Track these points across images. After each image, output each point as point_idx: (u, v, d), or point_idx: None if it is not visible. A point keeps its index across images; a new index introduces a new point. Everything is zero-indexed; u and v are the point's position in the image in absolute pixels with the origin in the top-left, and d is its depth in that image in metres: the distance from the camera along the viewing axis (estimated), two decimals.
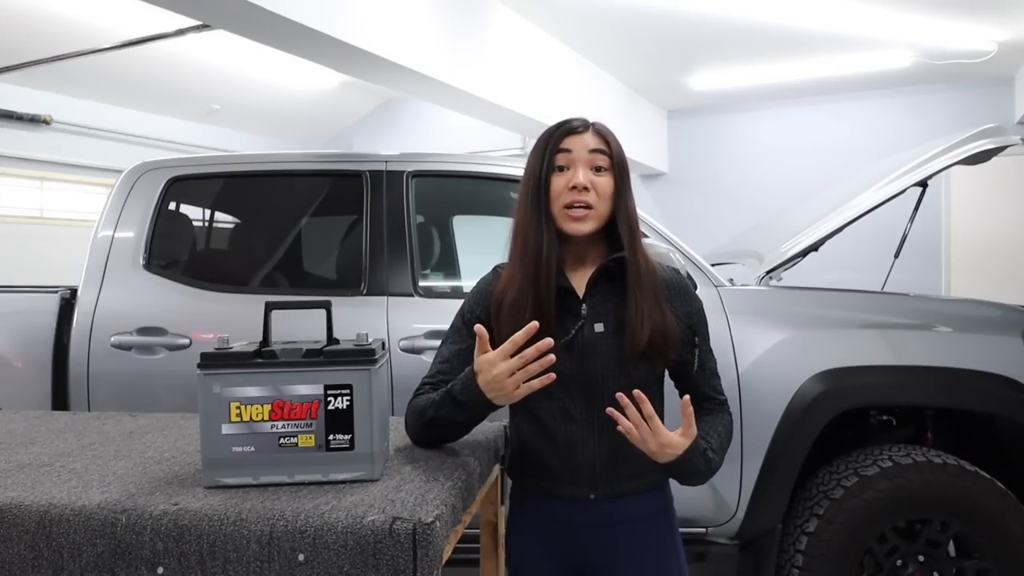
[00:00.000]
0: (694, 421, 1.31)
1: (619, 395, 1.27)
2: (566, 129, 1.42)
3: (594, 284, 1.44)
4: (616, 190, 1.42)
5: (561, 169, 1.41)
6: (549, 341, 1.23)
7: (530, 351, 1.23)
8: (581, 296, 1.43)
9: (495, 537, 1.62)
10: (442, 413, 1.35)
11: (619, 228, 1.42)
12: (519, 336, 1.24)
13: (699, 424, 1.43)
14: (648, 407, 1.27)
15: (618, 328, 1.41)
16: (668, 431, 1.30)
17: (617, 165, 1.42)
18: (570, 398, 1.42)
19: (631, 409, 1.27)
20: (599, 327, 1.42)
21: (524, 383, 1.25)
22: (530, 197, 1.42)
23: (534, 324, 1.25)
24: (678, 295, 1.47)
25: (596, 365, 1.41)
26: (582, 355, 1.41)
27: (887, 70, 6.63)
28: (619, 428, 1.28)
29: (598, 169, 1.40)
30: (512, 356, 1.24)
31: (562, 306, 1.42)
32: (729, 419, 1.50)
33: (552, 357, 1.24)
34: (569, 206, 1.39)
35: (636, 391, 1.28)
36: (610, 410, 1.29)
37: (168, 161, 2.73)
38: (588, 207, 1.39)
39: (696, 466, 1.35)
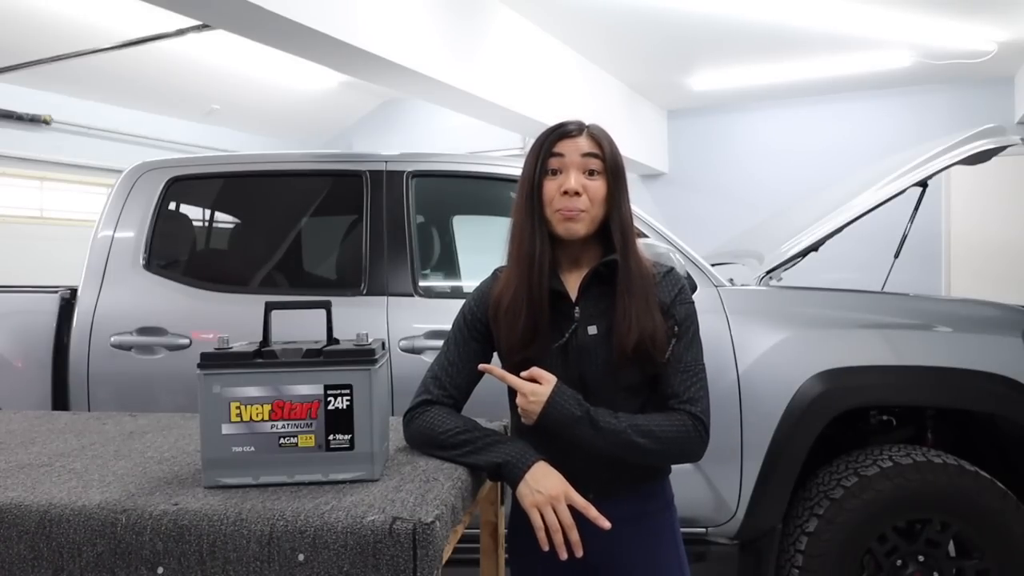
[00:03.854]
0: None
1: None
2: (559, 133, 1.42)
3: (587, 287, 1.43)
4: (609, 193, 1.41)
5: (554, 173, 1.41)
6: (606, 524, 1.29)
7: (575, 537, 1.28)
8: (574, 299, 1.43)
9: (495, 537, 1.62)
10: (468, 448, 1.35)
11: (612, 232, 1.42)
12: (592, 513, 1.28)
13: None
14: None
15: (611, 330, 1.40)
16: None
17: (610, 168, 1.41)
18: None
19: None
20: (592, 330, 1.42)
21: (543, 514, 1.28)
22: (524, 201, 1.43)
23: (603, 523, 1.29)
24: (668, 291, 1.45)
25: (589, 367, 1.41)
26: (576, 358, 1.41)
27: (887, 70, 6.63)
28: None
29: (591, 173, 1.40)
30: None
31: (557, 309, 1.42)
32: (683, 420, 1.37)
33: (577, 548, 1.28)
34: (561, 210, 1.39)
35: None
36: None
37: (168, 161, 2.73)
38: (581, 211, 1.39)
39: (569, 410, 1.33)
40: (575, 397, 1.35)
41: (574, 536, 1.27)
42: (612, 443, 1.34)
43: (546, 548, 1.27)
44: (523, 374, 1.35)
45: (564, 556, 1.27)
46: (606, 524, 1.28)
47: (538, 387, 1.33)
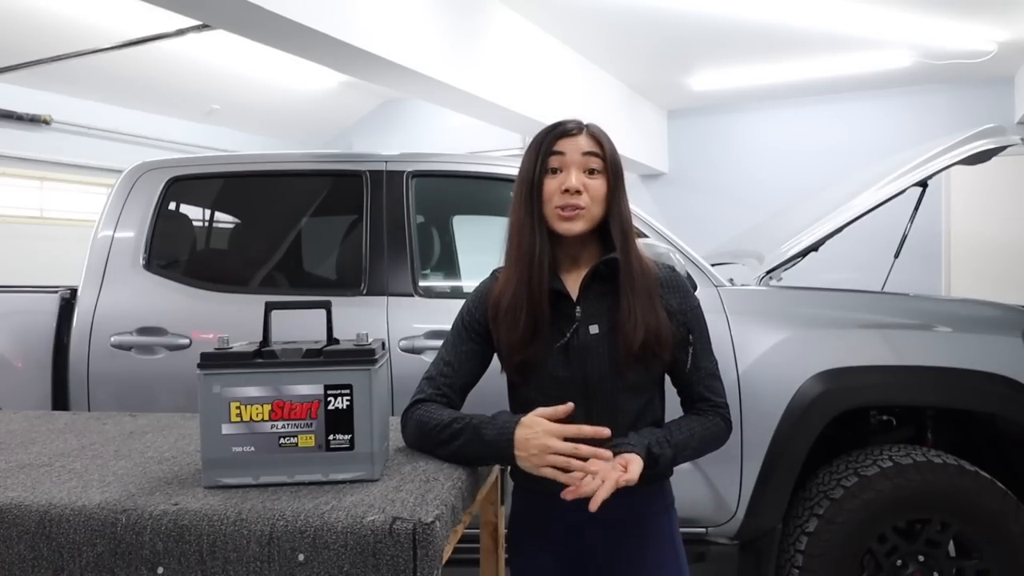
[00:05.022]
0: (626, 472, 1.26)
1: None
2: (559, 131, 1.42)
3: (587, 286, 1.43)
4: (609, 192, 1.41)
5: (554, 171, 1.41)
6: (606, 432, 1.27)
7: (586, 450, 1.25)
8: (575, 298, 1.43)
9: (495, 537, 1.62)
10: (458, 442, 1.33)
11: (612, 230, 1.42)
12: (587, 430, 1.26)
13: (679, 420, 1.45)
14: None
15: (612, 329, 1.40)
16: (611, 468, 1.26)
17: (610, 167, 1.42)
18: (567, 400, 1.41)
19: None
20: (594, 329, 1.42)
21: (552, 467, 1.26)
22: (523, 199, 1.42)
23: (602, 431, 1.27)
24: (673, 293, 1.46)
25: (592, 367, 1.41)
26: (578, 357, 1.41)
27: (887, 70, 6.63)
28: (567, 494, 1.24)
29: (591, 171, 1.40)
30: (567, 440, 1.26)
31: (557, 308, 1.42)
32: (718, 424, 1.46)
33: (608, 453, 1.27)
34: (561, 207, 1.39)
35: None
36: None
37: (168, 161, 2.73)
38: (580, 209, 1.39)
39: (664, 470, 1.39)
40: (663, 459, 1.35)
41: (584, 451, 1.25)
42: (682, 461, 1.41)
43: (578, 486, 1.24)
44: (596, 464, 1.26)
45: (595, 468, 1.24)
46: (606, 432, 1.27)
47: (632, 464, 1.27)
